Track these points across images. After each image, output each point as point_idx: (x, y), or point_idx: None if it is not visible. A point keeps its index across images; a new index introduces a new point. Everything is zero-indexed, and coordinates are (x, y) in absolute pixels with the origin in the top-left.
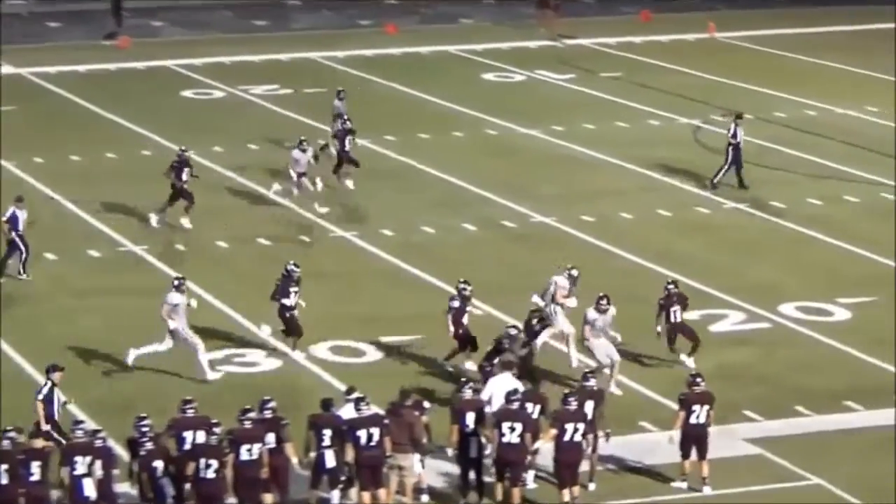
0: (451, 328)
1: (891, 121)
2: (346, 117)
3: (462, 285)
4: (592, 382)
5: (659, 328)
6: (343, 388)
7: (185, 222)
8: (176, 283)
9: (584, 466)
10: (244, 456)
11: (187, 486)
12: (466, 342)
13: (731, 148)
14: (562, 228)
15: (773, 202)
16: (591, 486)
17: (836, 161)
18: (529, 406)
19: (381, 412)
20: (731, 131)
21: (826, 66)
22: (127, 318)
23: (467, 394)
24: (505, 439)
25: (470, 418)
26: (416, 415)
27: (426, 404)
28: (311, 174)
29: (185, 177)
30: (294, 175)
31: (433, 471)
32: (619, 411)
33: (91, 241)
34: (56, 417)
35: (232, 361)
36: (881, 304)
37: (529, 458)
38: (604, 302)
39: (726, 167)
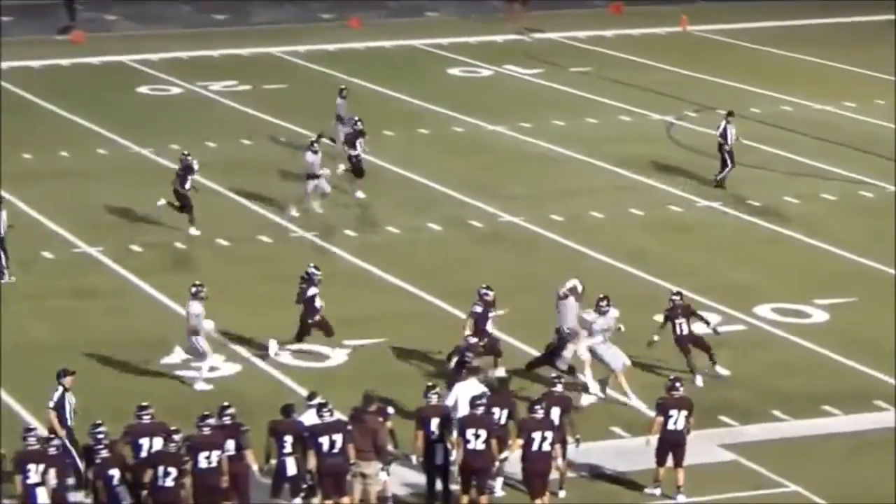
0: (469, 333)
1: (869, 116)
2: (356, 119)
3: (483, 290)
4: (559, 388)
5: (656, 338)
6: (305, 393)
7: (193, 230)
8: (194, 290)
9: (555, 474)
10: (203, 463)
11: (144, 494)
12: (492, 350)
13: (724, 148)
14: (531, 228)
15: (749, 200)
16: (562, 494)
17: (814, 158)
18: (497, 411)
19: (344, 418)
20: (721, 129)
21: (802, 60)
22: (83, 321)
23: (432, 399)
24: (470, 446)
25: (435, 424)
26: (380, 421)
27: (390, 410)
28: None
29: (188, 184)
30: (310, 176)
31: (398, 479)
32: (590, 417)
33: (45, 243)
34: (70, 423)
35: (190, 366)
36: (859, 306)
37: (497, 464)
38: (604, 303)
39: (731, 166)
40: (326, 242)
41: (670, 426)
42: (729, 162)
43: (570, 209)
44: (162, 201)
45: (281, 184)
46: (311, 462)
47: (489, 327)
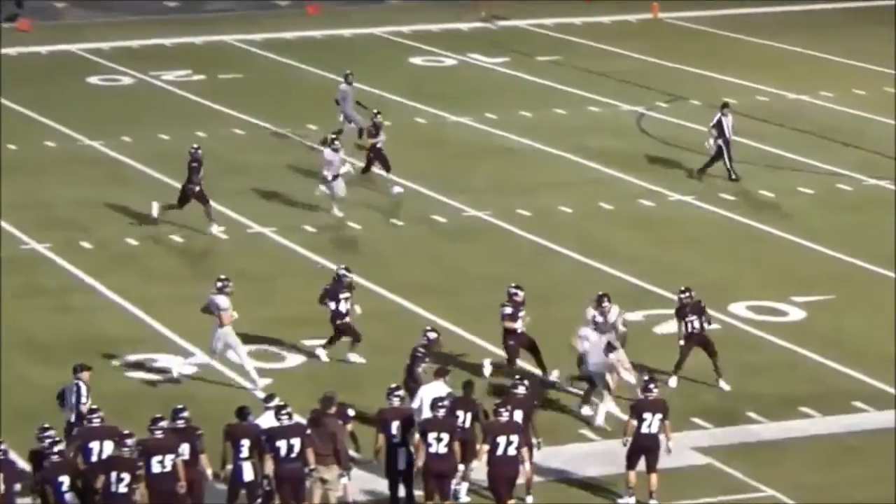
0: (511, 325)
1: (846, 106)
2: (376, 111)
3: (513, 290)
4: (521, 390)
5: (682, 342)
6: (262, 395)
7: (215, 229)
8: (220, 284)
9: (521, 479)
10: (156, 468)
11: (98, 500)
12: (528, 349)
13: (720, 140)
14: (496, 223)
15: (723, 194)
16: (529, 500)
17: (790, 150)
18: (460, 414)
19: (303, 421)
20: (714, 121)
21: (778, 48)
22: (30, 319)
23: (394, 401)
24: (432, 450)
25: (395, 427)
26: (341, 424)
27: (351, 412)
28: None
29: (199, 175)
30: (329, 177)
31: (359, 484)
32: (558, 419)
33: None
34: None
35: (143, 367)
36: (838, 303)
37: (462, 469)
38: (605, 301)
39: (727, 158)
40: (284, 238)
41: (644, 429)
42: (726, 155)
43: (538, 203)
44: (155, 210)
45: (237, 178)
46: (269, 467)
47: (519, 327)
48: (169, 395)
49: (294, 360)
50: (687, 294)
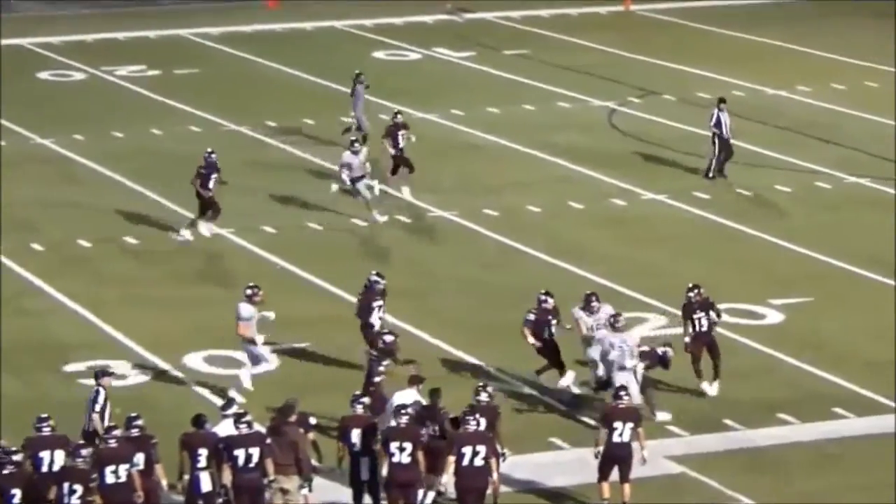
0: (532, 341)
1: (825, 101)
2: (396, 111)
3: (543, 296)
4: (483, 397)
5: (687, 339)
6: (219, 402)
7: (205, 230)
8: (249, 292)
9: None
10: (110, 479)
11: None
12: (553, 357)
13: (715, 137)
14: (463, 223)
15: (697, 193)
16: None
17: (767, 147)
18: (429, 425)
19: (262, 429)
20: (713, 118)
21: (755, 41)
22: None
23: (357, 409)
24: (395, 459)
25: (356, 436)
26: (301, 432)
27: (312, 420)
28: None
29: (212, 184)
30: (347, 180)
31: (322, 495)
32: (527, 427)
33: None
34: (107, 425)
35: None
36: (817, 305)
37: (430, 479)
38: (594, 300)
39: (715, 156)
40: (244, 240)
41: (615, 439)
42: (722, 151)
43: (506, 203)
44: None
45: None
46: (226, 477)
47: (547, 334)
48: (123, 403)
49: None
50: (696, 291)
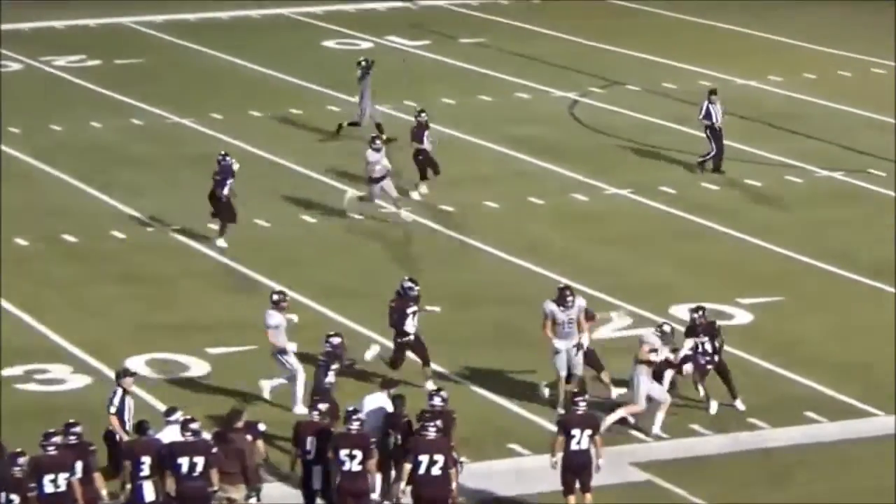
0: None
1: (797, 92)
2: (420, 110)
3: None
4: (437, 402)
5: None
6: (163, 408)
7: (221, 241)
8: (275, 298)
9: None
10: (48, 487)
11: None
12: (592, 366)
13: (707, 130)
14: (418, 219)
15: (663, 188)
16: None
17: (736, 139)
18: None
19: (208, 436)
20: (703, 111)
21: (723, 29)
22: None
23: (313, 415)
24: (345, 467)
25: (310, 443)
26: (249, 439)
27: (261, 426)
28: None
29: (226, 190)
30: (374, 177)
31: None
32: (485, 433)
33: None
34: (128, 428)
35: (33, 379)
36: (788, 305)
37: (384, 487)
38: (569, 294)
39: (714, 149)
40: (188, 238)
41: (573, 446)
42: (714, 144)
43: (462, 198)
44: (221, 242)
45: (135, 171)
46: (170, 485)
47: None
48: (61, 409)
49: (199, 369)
50: (700, 313)
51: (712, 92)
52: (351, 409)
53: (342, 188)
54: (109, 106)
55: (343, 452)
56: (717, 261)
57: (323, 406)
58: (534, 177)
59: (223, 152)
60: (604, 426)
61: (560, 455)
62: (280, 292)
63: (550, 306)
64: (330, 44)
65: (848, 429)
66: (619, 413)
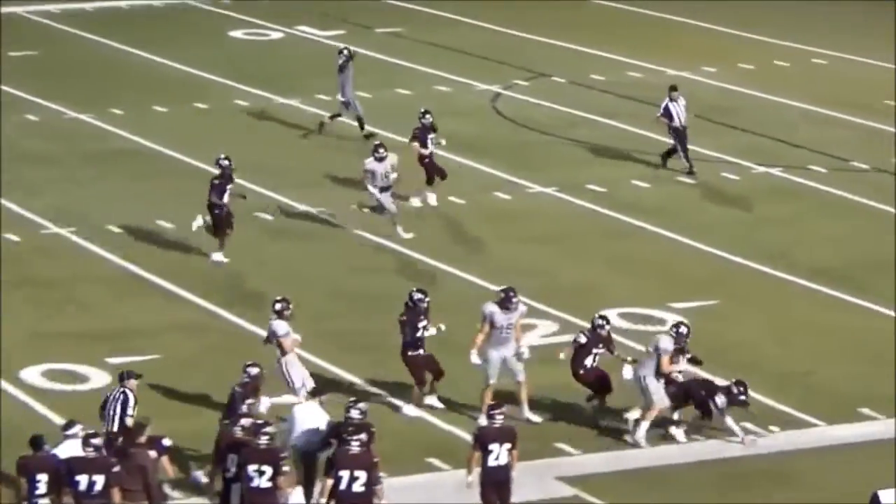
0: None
1: (732, 83)
2: (424, 111)
3: (599, 321)
4: (355, 414)
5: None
6: (61, 421)
7: (219, 256)
8: (278, 307)
9: None
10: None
11: None
12: (598, 386)
13: (669, 130)
14: (329, 220)
15: (590, 185)
16: None
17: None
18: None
19: (108, 452)
20: (662, 109)
21: (654, 17)
22: None
23: (236, 432)
24: (253, 484)
25: (231, 460)
26: (153, 455)
27: (166, 441)
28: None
29: (226, 197)
30: (374, 191)
31: None
32: (403, 446)
33: None
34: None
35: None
36: (722, 308)
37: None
38: (513, 296)
39: (681, 149)
40: (87, 241)
41: (491, 462)
42: (678, 145)
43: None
44: (199, 221)
45: (31, 170)
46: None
47: (590, 362)
48: None
49: (98, 380)
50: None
51: (672, 88)
52: (260, 422)
53: (251, 187)
54: (3, 101)
55: (251, 468)
56: (647, 262)
57: (247, 421)
58: (454, 174)
59: (222, 154)
60: (640, 438)
61: (477, 471)
62: (282, 300)
63: (491, 308)
64: (237, 34)
65: (786, 440)
66: (648, 420)
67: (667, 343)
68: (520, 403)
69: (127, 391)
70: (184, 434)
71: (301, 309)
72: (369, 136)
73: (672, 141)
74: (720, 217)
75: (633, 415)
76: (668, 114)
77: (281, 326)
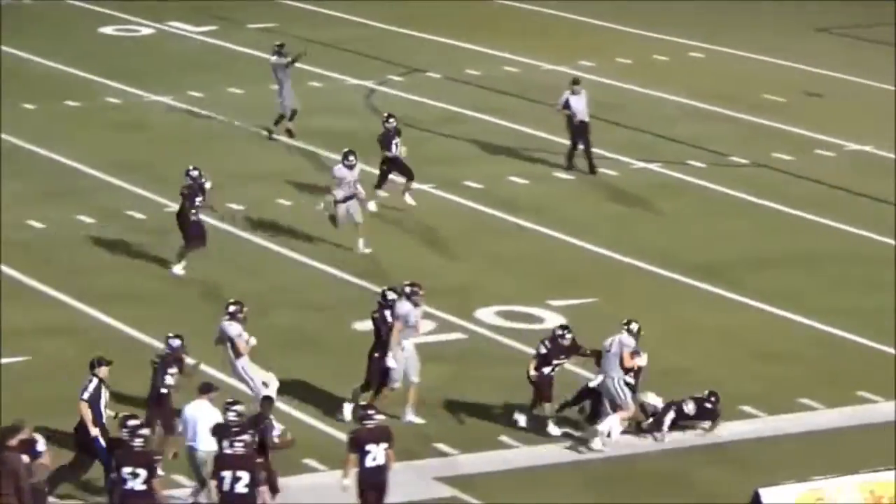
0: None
1: (610, 78)
2: (388, 115)
3: (560, 331)
4: (232, 416)
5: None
6: None
7: (178, 269)
8: (232, 309)
9: None
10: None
11: None
12: (540, 394)
13: (568, 124)
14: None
15: (467, 182)
16: None
17: (544, 130)
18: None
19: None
20: (562, 102)
21: (529, 11)
22: None
23: (123, 434)
24: (127, 486)
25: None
26: (25, 459)
27: (40, 446)
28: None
29: (195, 208)
30: (340, 198)
31: None
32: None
33: None
34: (104, 420)
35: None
36: (601, 306)
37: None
38: (418, 290)
39: (580, 145)
40: None
41: (369, 463)
42: (579, 140)
43: (252, 196)
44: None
45: None
46: None
47: (547, 371)
48: None
49: None
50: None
51: (574, 81)
52: (136, 423)
53: (124, 186)
54: None
55: (126, 470)
56: (526, 260)
57: (135, 423)
58: (327, 171)
59: (191, 166)
60: (613, 437)
61: (353, 473)
62: (237, 302)
63: (406, 307)
64: (107, 30)
65: (672, 439)
66: (618, 422)
67: (628, 339)
68: (406, 404)
69: (94, 379)
70: (60, 436)
71: (176, 308)
72: (271, 134)
73: (571, 138)
74: (599, 214)
75: (604, 426)
76: (568, 107)
77: (234, 328)
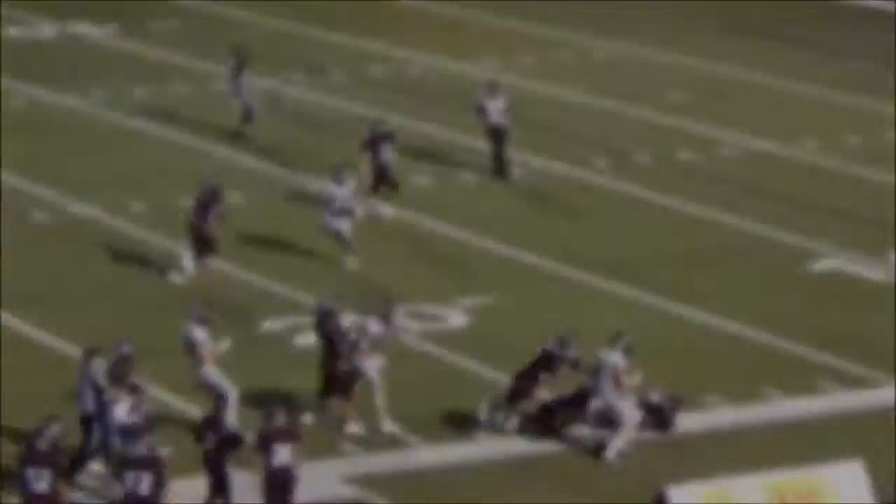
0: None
1: (512, 76)
2: (377, 119)
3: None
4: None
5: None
6: None
7: (180, 275)
8: (200, 316)
9: None
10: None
11: None
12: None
13: (485, 128)
14: (105, 221)
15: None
16: None
17: (448, 129)
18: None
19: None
20: (477, 106)
21: (432, 10)
22: None
23: (42, 445)
24: (30, 487)
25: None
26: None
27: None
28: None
29: (210, 218)
30: (331, 216)
31: None
32: (180, 451)
33: None
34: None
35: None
36: (507, 305)
37: None
38: (394, 309)
39: (498, 150)
40: None
41: (276, 462)
42: (494, 145)
43: (158, 197)
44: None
45: None
46: None
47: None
48: None
49: None
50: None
51: (490, 84)
52: (42, 426)
53: (29, 189)
54: None
55: (30, 471)
56: (432, 258)
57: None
58: (236, 172)
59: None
60: (611, 456)
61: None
62: (205, 308)
63: (376, 326)
64: (10, 31)
65: (574, 442)
66: (621, 441)
67: (618, 359)
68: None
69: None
70: None
71: (70, 309)
72: (238, 134)
73: (490, 143)
74: (504, 212)
75: (610, 451)
76: (481, 110)
77: (201, 335)
